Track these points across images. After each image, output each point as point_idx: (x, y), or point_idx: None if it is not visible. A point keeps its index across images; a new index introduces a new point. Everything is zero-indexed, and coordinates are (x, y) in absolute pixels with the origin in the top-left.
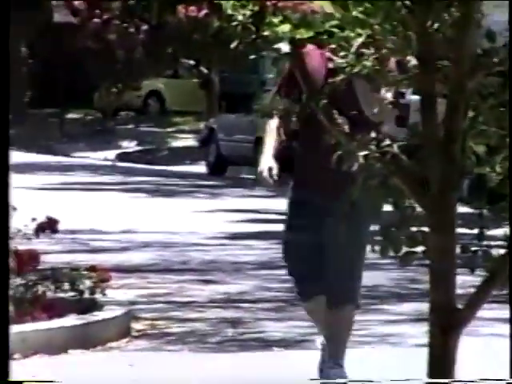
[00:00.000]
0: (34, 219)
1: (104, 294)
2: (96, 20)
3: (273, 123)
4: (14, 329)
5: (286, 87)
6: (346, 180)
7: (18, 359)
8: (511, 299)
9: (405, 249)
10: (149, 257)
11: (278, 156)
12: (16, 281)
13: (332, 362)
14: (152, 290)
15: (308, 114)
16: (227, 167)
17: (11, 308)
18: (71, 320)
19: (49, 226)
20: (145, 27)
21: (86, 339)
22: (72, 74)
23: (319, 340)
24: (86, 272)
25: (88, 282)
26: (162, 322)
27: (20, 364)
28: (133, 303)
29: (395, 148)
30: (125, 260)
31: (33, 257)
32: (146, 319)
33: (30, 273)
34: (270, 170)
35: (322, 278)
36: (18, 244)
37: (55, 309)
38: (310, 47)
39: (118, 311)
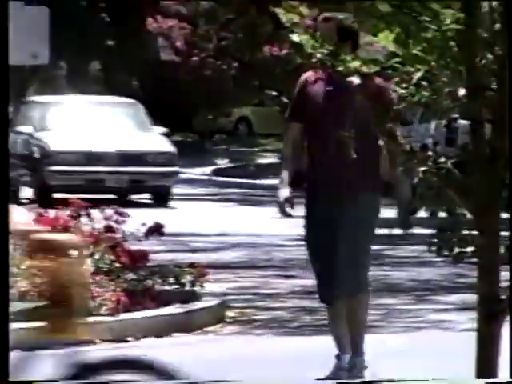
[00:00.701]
0: (143, 224)
1: (202, 287)
2: (195, 58)
3: (287, 148)
4: (128, 315)
5: (296, 112)
6: (350, 184)
7: (130, 341)
8: (511, 301)
9: (457, 249)
10: (238, 255)
11: (295, 178)
12: (129, 276)
13: (357, 353)
14: (241, 283)
15: (315, 130)
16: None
17: (125, 299)
18: (175, 308)
19: (156, 230)
20: (235, 64)
21: (187, 324)
22: (175, 102)
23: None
24: (187, 268)
25: (189, 277)
26: (249, 310)
27: (133, 345)
28: (225, 294)
29: (449, 164)
30: (218, 258)
31: (143, 255)
32: (236, 308)
33: (141, 269)
34: (287, 201)
35: (340, 280)
36: (130, 244)
37: (162, 299)
38: (309, 75)
39: (214, 301)
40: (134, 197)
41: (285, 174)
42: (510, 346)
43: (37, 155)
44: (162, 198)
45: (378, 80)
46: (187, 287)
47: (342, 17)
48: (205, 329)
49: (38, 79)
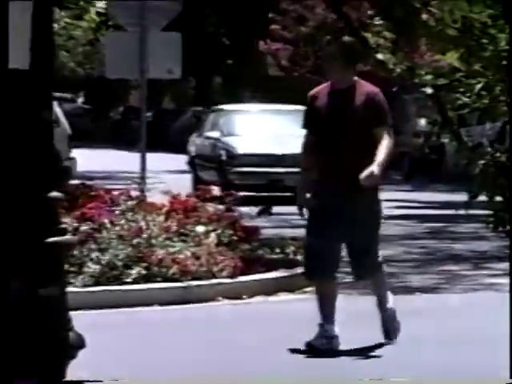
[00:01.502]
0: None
1: (297, 254)
2: (296, 73)
3: (303, 160)
4: (243, 278)
5: (308, 123)
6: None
7: (245, 299)
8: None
9: (508, 227)
10: None
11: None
12: (244, 246)
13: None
14: None
15: (325, 136)
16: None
17: (241, 265)
18: (280, 273)
19: (266, 210)
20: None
21: (290, 286)
22: None
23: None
24: (290, 241)
25: (291, 248)
26: (338, 275)
27: (247, 302)
28: None
29: (503, 158)
30: None
31: (255, 230)
32: None
33: (254, 241)
34: (301, 208)
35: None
36: (245, 222)
37: (270, 265)
38: (318, 88)
39: None
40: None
41: (302, 183)
42: (510, 346)
43: (223, 157)
44: None
45: (371, 88)
46: (290, 256)
47: (346, 39)
48: (304, 289)
49: (171, 90)
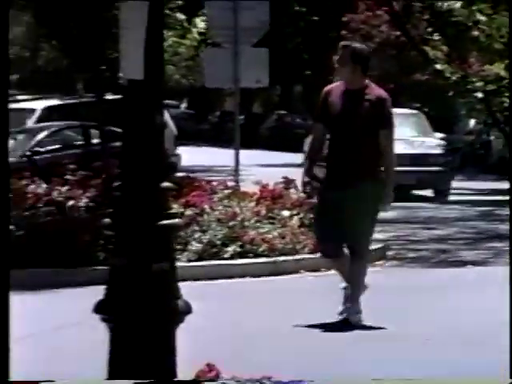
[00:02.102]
0: None
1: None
2: None
3: (311, 143)
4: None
5: (320, 115)
6: (360, 168)
7: (322, 271)
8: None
9: None
10: (395, 214)
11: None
12: None
13: (353, 308)
14: (396, 233)
15: (334, 131)
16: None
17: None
18: None
19: None
20: (391, 86)
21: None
22: None
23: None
24: None
25: None
26: (402, 251)
27: (327, 274)
28: (386, 240)
29: None
30: (384, 216)
31: None
32: (394, 249)
33: None
34: (305, 185)
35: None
36: None
37: None
38: (330, 87)
39: (379, 244)
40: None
41: (306, 164)
42: (510, 346)
43: None
44: (441, 194)
45: (381, 92)
46: None
47: (356, 45)
48: (374, 263)
49: (260, 97)
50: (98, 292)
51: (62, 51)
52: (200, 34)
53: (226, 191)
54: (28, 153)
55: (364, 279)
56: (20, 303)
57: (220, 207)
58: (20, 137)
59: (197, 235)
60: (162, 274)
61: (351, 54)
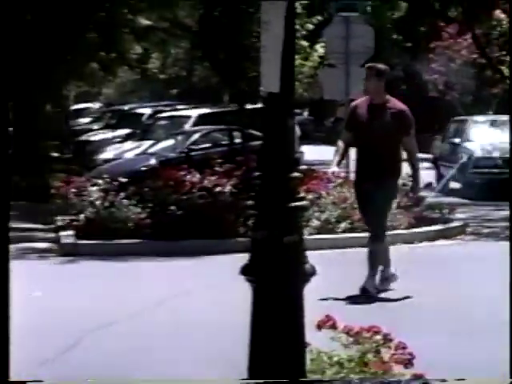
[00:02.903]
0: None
1: (453, 215)
2: (448, 96)
3: (339, 145)
4: (412, 231)
5: (348, 125)
6: (382, 172)
7: (416, 244)
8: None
9: None
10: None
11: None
12: (416, 209)
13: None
14: (474, 213)
15: (361, 138)
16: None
17: (413, 220)
18: (439, 226)
19: (429, 185)
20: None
21: (446, 235)
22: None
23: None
24: (445, 205)
25: (446, 210)
26: (478, 227)
27: (417, 247)
28: (466, 219)
29: None
30: (461, 200)
31: (422, 199)
32: (471, 227)
33: (421, 205)
34: (333, 173)
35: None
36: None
37: (431, 221)
38: (357, 102)
39: (459, 222)
40: None
41: (336, 158)
42: (510, 346)
43: (464, 159)
44: None
45: (401, 106)
46: (445, 215)
47: (380, 65)
48: (455, 237)
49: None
50: (239, 259)
51: (212, 71)
52: (319, 57)
53: (339, 180)
54: (185, 150)
55: (388, 255)
56: (181, 267)
57: (334, 193)
58: (179, 137)
59: (316, 214)
60: (293, 244)
61: (376, 73)
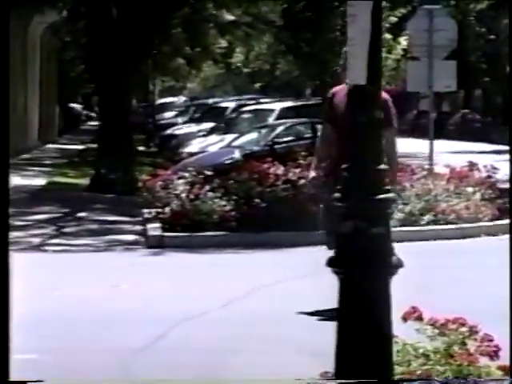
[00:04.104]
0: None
1: None
2: None
3: (319, 142)
4: (499, 222)
5: (327, 114)
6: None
7: (499, 236)
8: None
9: None
10: None
11: (320, 166)
12: (499, 201)
13: None
14: None
15: (342, 130)
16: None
17: (497, 212)
18: None
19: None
20: None
21: None
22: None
23: None
24: None
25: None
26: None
27: (499, 239)
28: None
29: None
30: None
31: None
32: None
33: (505, 197)
34: (313, 178)
35: None
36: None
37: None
38: (338, 88)
39: None
40: None
41: (315, 161)
42: (510, 346)
43: None
44: None
45: (383, 94)
46: None
47: None
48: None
49: (448, 99)
50: (323, 251)
51: (295, 65)
52: (403, 50)
53: (423, 173)
54: (269, 143)
55: None
56: (265, 259)
57: (418, 185)
58: (263, 131)
59: (400, 207)
60: (380, 236)
61: None
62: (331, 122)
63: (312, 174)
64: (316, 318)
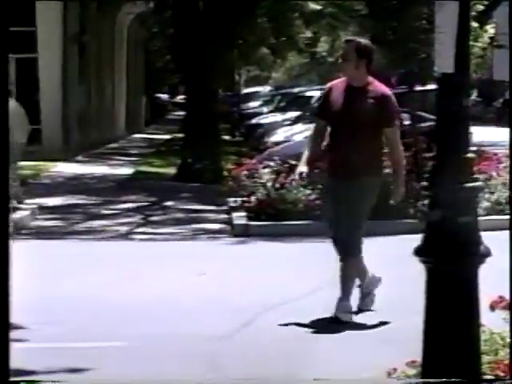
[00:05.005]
0: None
1: None
2: None
3: (310, 137)
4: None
5: (321, 111)
6: (356, 165)
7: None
8: (511, 304)
9: None
10: None
11: (313, 159)
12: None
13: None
14: None
15: (335, 127)
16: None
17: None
18: None
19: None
20: None
21: None
22: None
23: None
24: None
25: None
26: None
27: None
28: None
29: None
30: None
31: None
32: None
33: None
34: (301, 174)
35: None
36: None
37: None
38: (336, 81)
39: None
40: None
41: (304, 155)
42: (510, 346)
43: None
44: None
45: (384, 90)
46: None
47: (361, 40)
48: None
49: None
50: (408, 240)
51: (379, 53)
52: (490, 38)
53: (509, 161)
54: None
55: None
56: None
57: (504, 174)
58: None
59: (486, 196)
60: (467, 225)
61: (356, 49)
62: (325, 118)
63: (301, 169)
64: (405, 307)
